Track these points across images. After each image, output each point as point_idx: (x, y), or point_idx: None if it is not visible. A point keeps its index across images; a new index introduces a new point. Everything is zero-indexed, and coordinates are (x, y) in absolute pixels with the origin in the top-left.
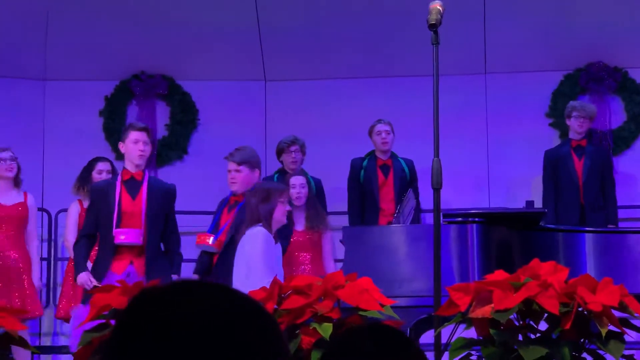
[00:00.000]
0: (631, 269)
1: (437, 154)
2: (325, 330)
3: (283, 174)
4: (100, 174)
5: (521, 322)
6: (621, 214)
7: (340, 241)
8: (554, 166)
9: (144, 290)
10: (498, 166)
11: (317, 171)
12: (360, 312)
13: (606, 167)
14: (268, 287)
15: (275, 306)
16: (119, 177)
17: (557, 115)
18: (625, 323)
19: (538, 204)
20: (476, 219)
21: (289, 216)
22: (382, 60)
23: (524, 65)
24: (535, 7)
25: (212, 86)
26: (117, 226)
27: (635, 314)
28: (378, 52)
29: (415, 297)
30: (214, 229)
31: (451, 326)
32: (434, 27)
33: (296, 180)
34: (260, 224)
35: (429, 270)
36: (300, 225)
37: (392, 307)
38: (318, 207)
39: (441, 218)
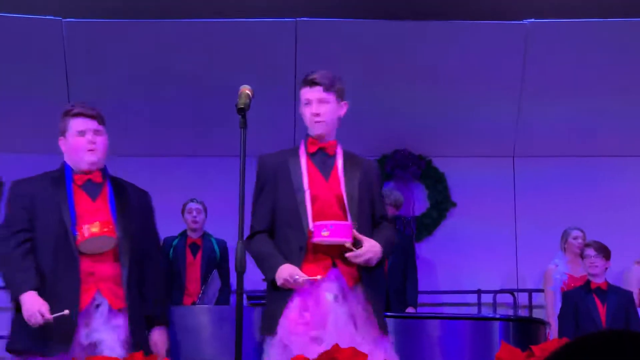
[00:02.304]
0: (427, 352)
1: (241, 237)
2: None
3: None
4: None
5: None
6: (421, 299)
7: None
8: None
9: None
10: None
11: None
12: None
13: (409, 253)
14: None
15: None
16: (302, 147)
17: None
18: None
19: None
20: None
21: None
22: (191, 139)
23: None
24: (348, 94)
25: None
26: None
27: None
28: (188, 129)
29: None
30: None
31: None
32: (242, 112)
33: None
34: None
35: (232, 351)
36: None
37: None
38: None
39: (246, 300)
